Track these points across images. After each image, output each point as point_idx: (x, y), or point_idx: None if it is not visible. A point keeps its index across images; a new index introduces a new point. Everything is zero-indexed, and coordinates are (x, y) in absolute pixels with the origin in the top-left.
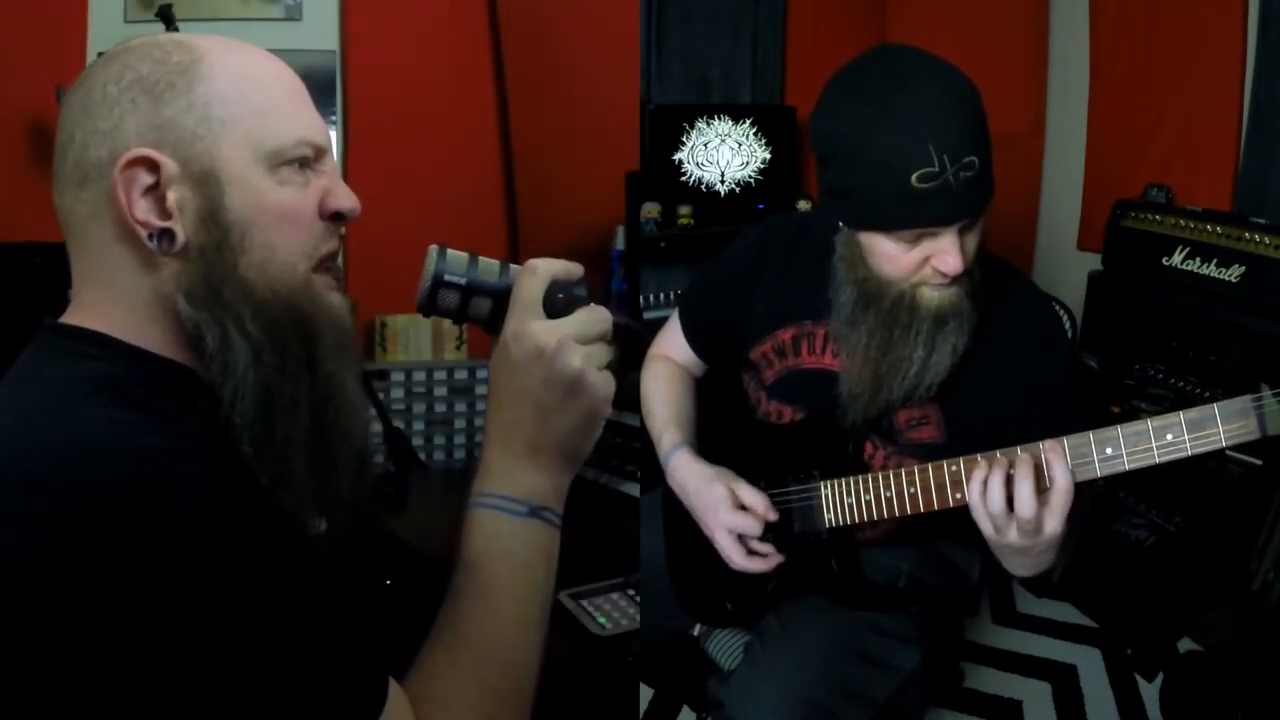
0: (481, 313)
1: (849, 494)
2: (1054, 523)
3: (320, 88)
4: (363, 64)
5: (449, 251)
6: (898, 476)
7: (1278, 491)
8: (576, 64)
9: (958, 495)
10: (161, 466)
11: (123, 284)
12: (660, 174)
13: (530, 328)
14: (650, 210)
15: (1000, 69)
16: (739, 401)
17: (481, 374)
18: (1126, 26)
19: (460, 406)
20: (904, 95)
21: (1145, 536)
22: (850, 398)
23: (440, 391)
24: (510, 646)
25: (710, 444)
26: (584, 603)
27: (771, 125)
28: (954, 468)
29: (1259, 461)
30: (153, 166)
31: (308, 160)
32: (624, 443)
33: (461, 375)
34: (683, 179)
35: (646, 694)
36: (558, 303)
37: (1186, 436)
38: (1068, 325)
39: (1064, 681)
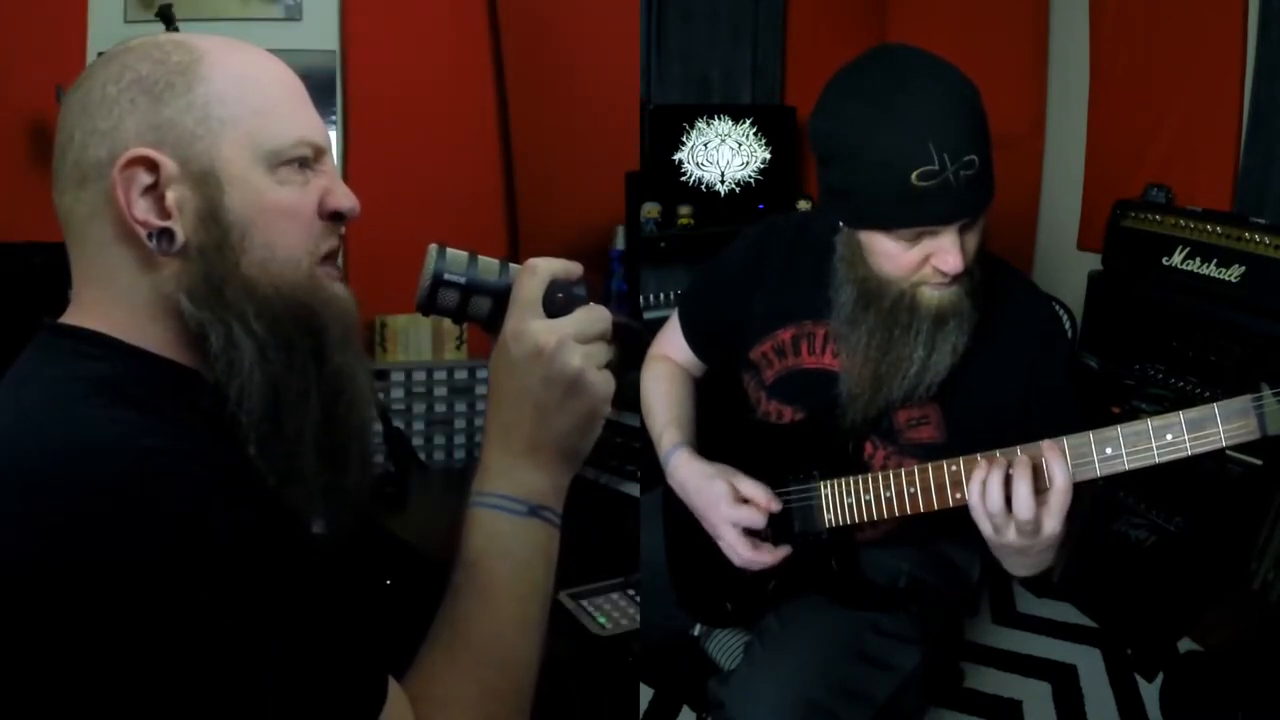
0: (481, 312)
1: (849, 494)
2: (1053, 523)
3: (320, 88)
4: (363, 64)
5: (449, 250)
6: (898, 476)
7: (1278, 491)
8: (576, 64)
9: (957, 495)
10: (161, 466)
11: (122, 284)
12: (660, 174)
13: (530, 327)
14: (650, 210)
15: (1000, 69)
16: (739, 401)
17: (481, 374)
18: (1126, 26)
19: (460, 406)
20: (904, 95)
21: (1145, 536)
22: (850, 397)
23: (440, 391)
24: (510, 645)
25: (710, 444)
26: (584, 603)
27: (771, 125)
28: (954, 468)
29: (1259, 461)
30: (152, 166)
31: (307, 160)
32: (624, 443)
33: (461, 375)
34: (683, 179)
35: (646, 694)
36: (557, 302)
37: (1186, 436)
38: (1068, 325)
39: (1064, 681)
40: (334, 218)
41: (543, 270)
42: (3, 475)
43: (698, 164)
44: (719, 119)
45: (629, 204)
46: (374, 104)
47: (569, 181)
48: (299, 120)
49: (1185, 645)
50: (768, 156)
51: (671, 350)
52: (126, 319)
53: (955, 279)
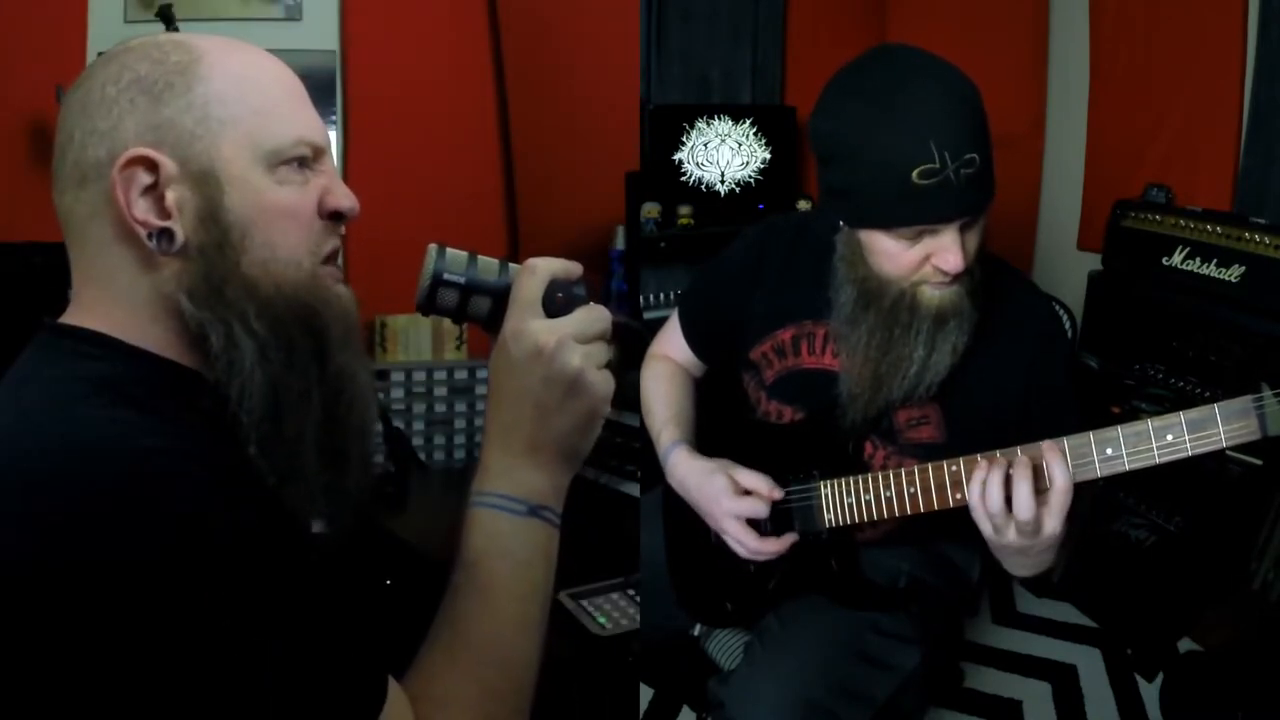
0: (481, 312)
1: (849, 494)
2: (1053, 523)
3: (320, 88)
4: (363, 64)
5: (448, 250)
6: (898, 476)
7: (1278, 491)
8: (576, 64)
9: (958, 495)
10: (161, 466)
11: (122, 284)
12: (660, 174)
13: (529, 327)
14: (650, 210)
15: (1000, 69)
16: (739, 401)
17: (481, 374)
18: (1126, 26)
19: (460, 406)
20: (904, 95)
21: (1145, 536)
22: (850, 397)
23: (440, 391)
24: (510, 645)
25: (710, 444)
26: (584, 603)
27: (771, 125)
28: (954, 468)
29: (1259, 461)
30: (151, 166)
31: (306, 160)
32: (624, 443)
33: (461, 375)
34: (683, 179)
35: (646, 694)
36: (557, 302)
37: (1187, 437)
38: (1068, 325)
39: (1064, 681)
40: (334, 217)
41: (542, 270)
42: (3, 475)
43: (698, 164)
44: (719, 119)
45: (629, 204)
46: (374, 104)
47: (569, 181)
48: (298, 120)
49: (1185, 645)
50: (768, 156)
51: (671, 350)
52: (126, 319)
53: (956, 278)
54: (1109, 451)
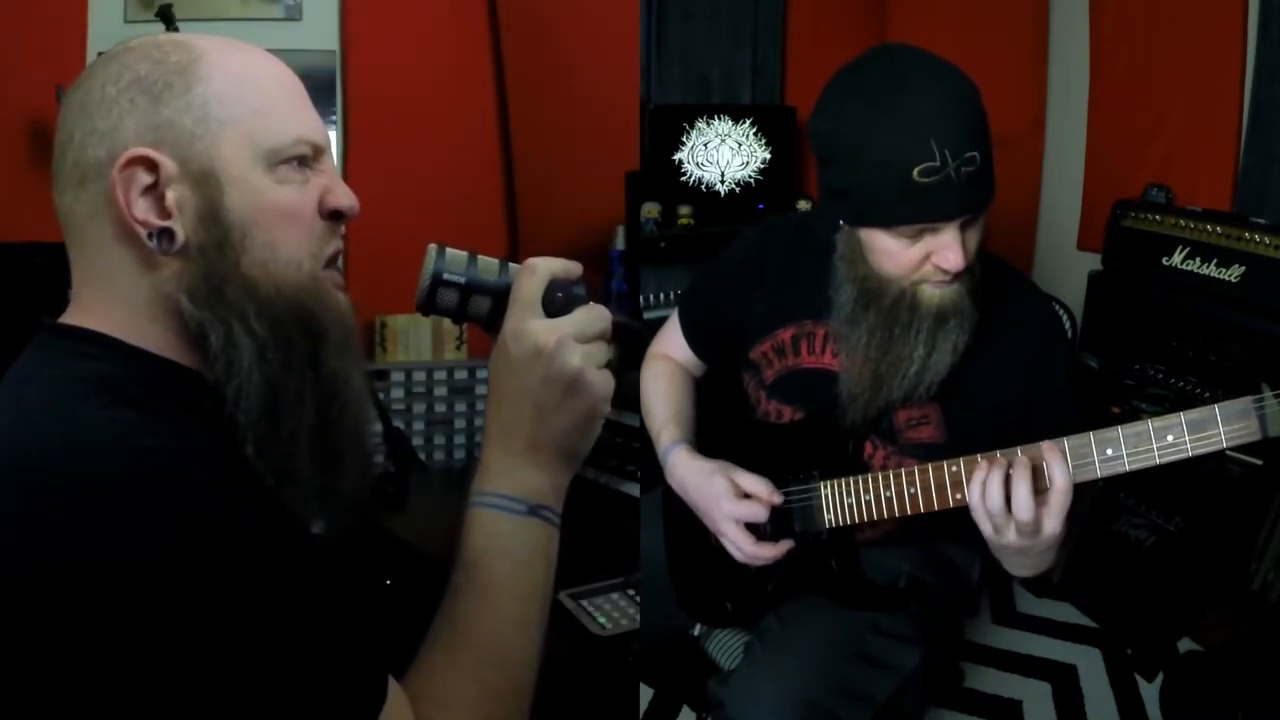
0: (480, 311)
1: (849, 494)
2: (1053, 523)
3: (320, 88)
4: (363, 64)
5: (448, 250)
6: (897, 477)
7: (1278, 491)
8: (576, 64)
9: (958, 496)
10: (161, 466)
11: (122, 284)
12: (660, 174)
13: (529, 326)
14: (650, 210)
15: (1000, 69)
16: (739, 401)
17: (481, 374)
18: (1126, 26)
19: (460, 406)
20: (904, 95)
21: (1145, 536)
22: (850, 397)
23: (440, 391)
24: (510, 645)
25: (710, 444)
26: (584, 603)
27: (771, 125)
28: (954, 468)
29: (1259, 462)
30: (151, 166)
31: (306, 159)
32: (624, 443)
33: (461, 375)
34: (683, 179)
35: (646, 694)
36: (557, 301)
37: (1187, 437)
38: (1068, 325)
39: (1064, 681)
40: (334, 217)
41: (542, 270)
42: (3, 475)
43: (698, 164)
44: (719, 119)
45: (629, 204)
46: (374, 104)
47: (569, 181)
48: (298, 119)
49: (1185, 645)
50: (768, 156)
51: (671, 350)
52: (126, 319)
53: (956, 277)
54: (1109, 452)
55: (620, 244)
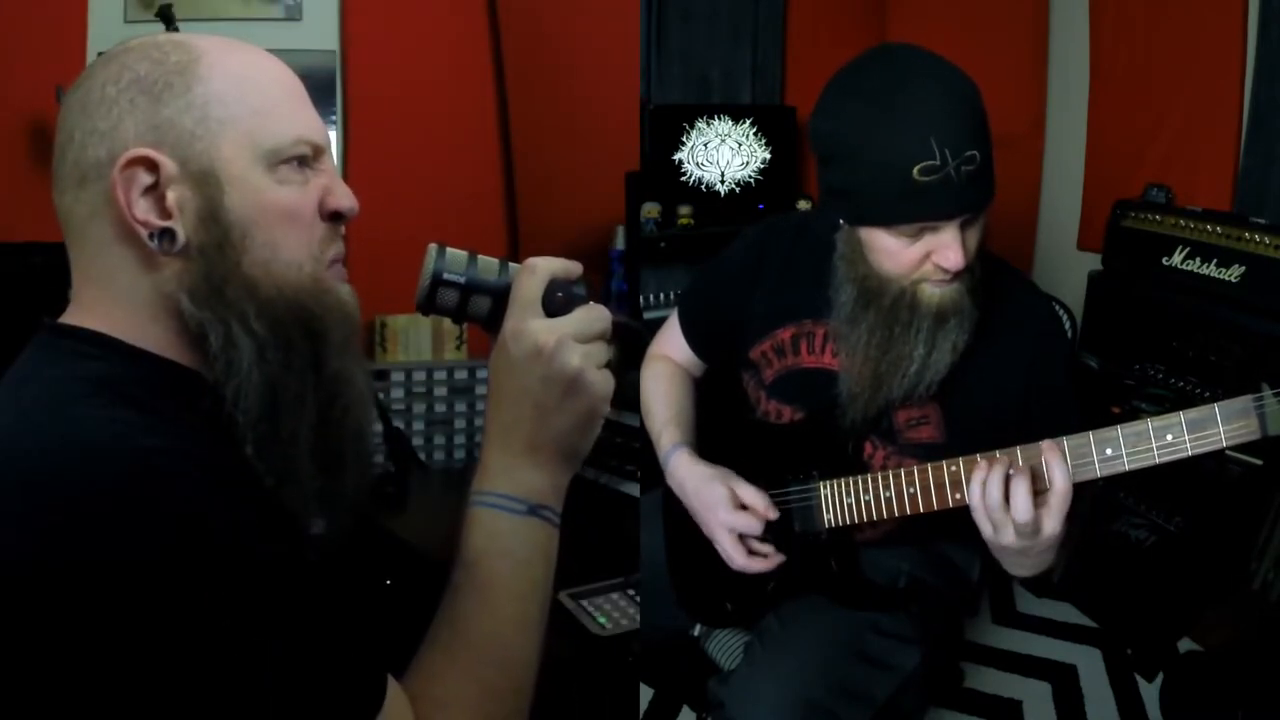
0: (480, 311)
1: (848, 494)
2: (1052, 524)
3: (320, 88)
4: (363, 64)
5: (448, 250)
6: (897, 477)
7: (1278, 491)
8: (576, 64)
9: (957, 496)
10: (161, 466)
11: (123, 284)
12: (660, 174)
13: (529, 326)
14: (650, 210)
15: (1000, 69)
16: (739, 401)
17: (481, 374)
18: (1126, 26)
19: (460, 406)
20: (904, 94)
21: (1145, 536)
22: (850, 397)
23: (440, 391)
24: (509, 645)
25: (710, 444)
26: (584, 603)
27: (771, 125)
28: (953, 468)
29: (1259, 461)
30: (151, 166)
31: (306, 159)
32: (624, 443)
33: (461, 375)
34: (683, 179)
35: (646, 694)
36: (557, 301)
37: (1187, 437)
38: (1068, 325)
39: (1064, 681)
40: (334, 219)
41: (542, 269)
42: (3, 475)
43: (698, 164)
44: (719, 119)
45: (629, 204)
46: (374, 104)
47: (569, 181)
48: (298, 119)
49: (1185, 645)
50: (768, 156)
51: (671, 350)
52: (126, 319)
53: (956, 276)
54: (1109, 451)
55: (620, 244)
